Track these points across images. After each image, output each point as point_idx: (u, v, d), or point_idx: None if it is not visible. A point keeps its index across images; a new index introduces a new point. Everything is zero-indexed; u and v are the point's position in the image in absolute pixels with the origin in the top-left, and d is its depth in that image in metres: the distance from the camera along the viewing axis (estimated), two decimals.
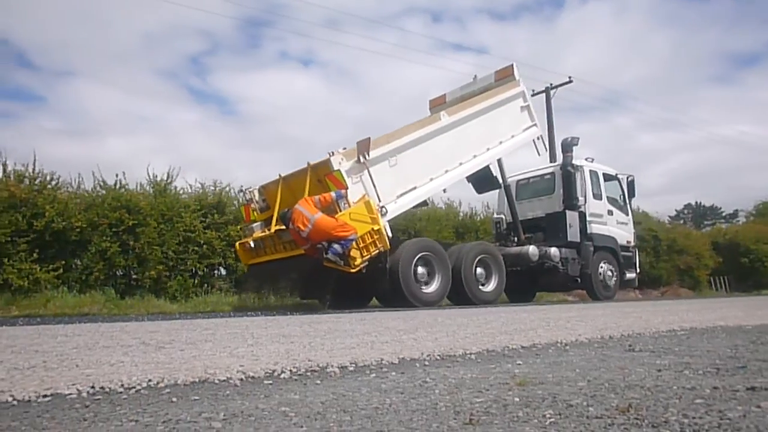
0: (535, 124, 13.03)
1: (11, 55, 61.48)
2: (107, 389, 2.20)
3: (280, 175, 10.33)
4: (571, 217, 13.25)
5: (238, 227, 11.92)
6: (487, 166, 12.15)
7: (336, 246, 8.71)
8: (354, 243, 8.81)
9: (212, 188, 14.07)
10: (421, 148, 10.41)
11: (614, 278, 14.08)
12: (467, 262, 10.64)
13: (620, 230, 14.60)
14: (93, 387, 2.21)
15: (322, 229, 8.74)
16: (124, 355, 3.23)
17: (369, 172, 9.43)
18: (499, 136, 12.03)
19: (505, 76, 12.73)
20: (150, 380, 2.34)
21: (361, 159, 9.32)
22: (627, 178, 15.01)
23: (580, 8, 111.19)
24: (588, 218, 13.58)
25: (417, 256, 9.82)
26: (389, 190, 9.77)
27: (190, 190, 13.84)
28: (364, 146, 9.31)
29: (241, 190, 11.01)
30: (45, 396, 2.08)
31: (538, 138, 13.11)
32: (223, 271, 13.63)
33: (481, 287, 10.99)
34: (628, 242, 14.93)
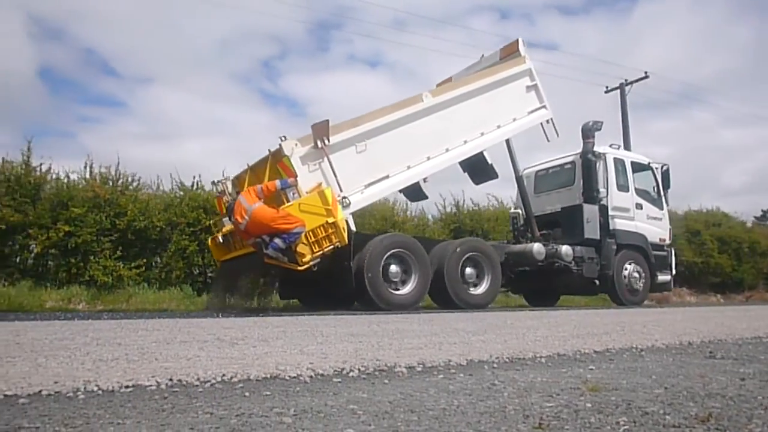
0: (543, 106, 11.44)
1: (96, 63, 64.80)
2: (184, 382, 2.29)
3: (248, 165, 9.56)
4: (589, 211, 11.66)
5: (211, 221, 10.89)
6: (481, 154, 10.58)
7: (277, 240, 7.79)
8: (303, 237, 7.89)
9: None
10: (397, 132, 9.31)
11: (642, 281, 12.27)
12: (452, 261, 9.43)
13: (652, 226, 12.71)
14: (171, 379, 2.31)
15: (260, 221, 7.88)
16: (200, 350, 3.35)
17: (329, 159, 8.42)
18: (497, 119, 10.72)
19: (510, 53, 11.42)
20: (224, 375, 2.42)
21: (319, 144, 8.33)
22: (662, 167, 13.15)
23: (655, 0, 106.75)
24: (611, 212, 11.94)
25: (387, 254, 8.77)
26: (355, 178, 8.77)
27: None
28: (321, 130, 8.34)
29: (214, 182, 9.83)
30: (127, 387, 2.18)
31: (547, 121, 11.48)
32: None
33: (470, 289, 9.77)
34: (662, 240, 13.00)
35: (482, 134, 10.43)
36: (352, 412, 1.83)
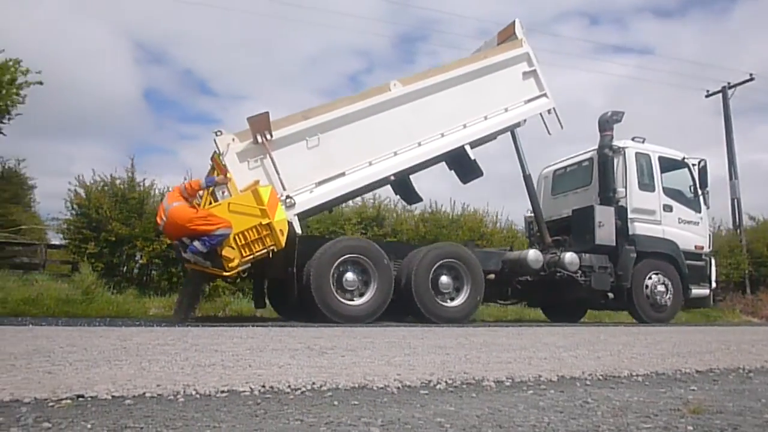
0: (544, 95, 10.09)
1: (194, 83, 68.55)
2: (276, 389, 2.36)
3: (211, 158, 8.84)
4: (602, 213, 10.15)
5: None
6: (462, 149, 9.24)
7: (196, 243, 7.14)
8: (231, 240, 7.23)
9: (371, 201, 14.64)
10: (358, 125, 8.41)
11: (670, 294, 10.49)
12: (420, 268, 8.30)
13: (685, 231, 10.90)
14: (263, 386, 2.39)
15: (176, 222, 7.26)
16: (291, 358, 3.44)
17: (270, 154, 7.72)
18: (485, 109, 9.48)
19: (507, 37, 10.18)
20: (314, 383, 2.47)
21: (259, 139, 7.63)
22: (699, 163, 11.24)
23: None
24: (630, 215, 10.38)
25: (339, 260, 7.88)
26: (305, 176, 8.01)
27: (351, 204, 14.48)
28: (260, 124, 7.65)
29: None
30: (223, 392, 2.28)
31: (549, 111, 10.11)
32: None
33: (443, 301, 8.55)
34: (699, 248, 11.08)
35: (464, 126, 9.25)
36: (439, 425, 1.82)
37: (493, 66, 9.62)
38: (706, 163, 11.22)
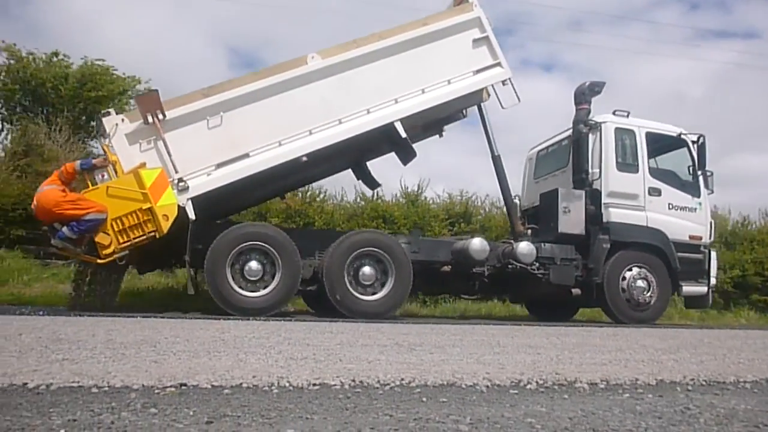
0: (497, 64, 8.80)
1: None
2: (365, 383, 2.41)
3: None
4: (568, 197, 8.92)
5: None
6: (392, 126, 8.19)
7: (65, 229, 6.75)
8: (109, 225, 6.84)
9: (459, 198, 14.57)
10: (268, 102, 7.76)
11: (653, 292, 9.00)
12: (335, 258, 7.68)
13: (677, 219, 9.34)
14: (353, 380, 2.44)
15: (43, 206, 6.89)
16: (380, 353, 3.49)
17: (162, 135, 7.24)
18: (421, 82, 8.42)
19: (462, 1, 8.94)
20: (402, 379, 2.50)
21: (150, 119, 7.12)
22: (698, 140, 9.55)
23: None
24: (605, 199, 9.02)
25: (239, 248, 7.38)
26: (204, 158, 7.47)
27: (438, 200, 14.49)
28: (149, 103, 7.18)
29: None
30: (314, 385, 2.34)
31: (503, 82, 8.84)
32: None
33: (363, 294, 7.80)
34: (695, 238, 9.44)
35: (396, 101, 8.27)
36: (530, 426, 1.79)
37: (435, 33, 8.55)
38: (704, 139, 9.54)
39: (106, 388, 2.14)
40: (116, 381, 2.24)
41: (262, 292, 7.42)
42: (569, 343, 4.72)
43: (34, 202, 7.06)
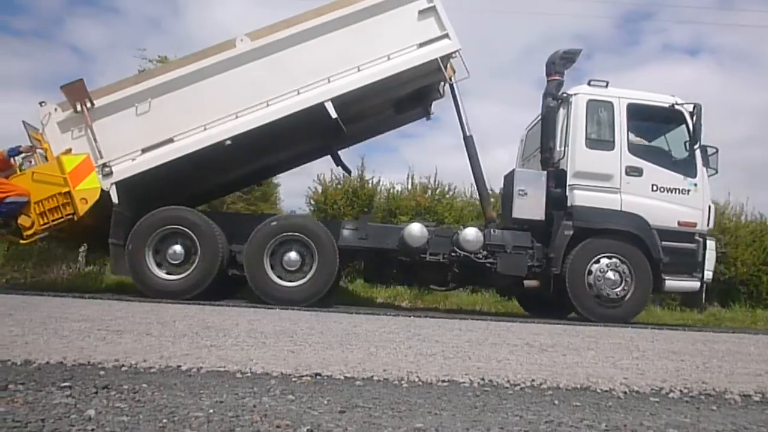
0: (445, 35, 8.02)
1: None
2: (495, 383, 2.38)
3: None
4: (525, 178, 8.05)
5: None
6: (323, 106, 7.73)
7: None
8: (32, 208, 7.23)
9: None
10: (197, 87, 7.72)
11: (624, 285, 7.68)
12: (254, 242, 7.55)
13: (662, 202, 7.96)
14: (482, 379, 2.42)
15: None
16: (510, 353, 3.43)
17: (88, 123, 7.47)
18: (357, 59, 7.89)
19: None
20: (533, 380, 2.44)
21: (78, 108, 7.40)
22: (693, 109, 8.00)
23: None
24: (570, 180, 7.95)
25: (159, 231, 7.53)
26: (131, 143, 7.58)
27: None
28: (75, 92, 7.38)
29: None
30: (443, 381, 2.35)
31: (452, 55, 8.10)
32: None
33: (284, 280, 7.56)
34: (687, 224, 7.97)
35: (329, 80, 7.87)
36: None
37: (374, 8, 8.04)
38: (700, 108, 8.04)
39: (249, 374, 2.29)
40: (257, 368, 2.39)
41: (176, 276, 7.56)
42: (718, 350, 4.37)
43: None
